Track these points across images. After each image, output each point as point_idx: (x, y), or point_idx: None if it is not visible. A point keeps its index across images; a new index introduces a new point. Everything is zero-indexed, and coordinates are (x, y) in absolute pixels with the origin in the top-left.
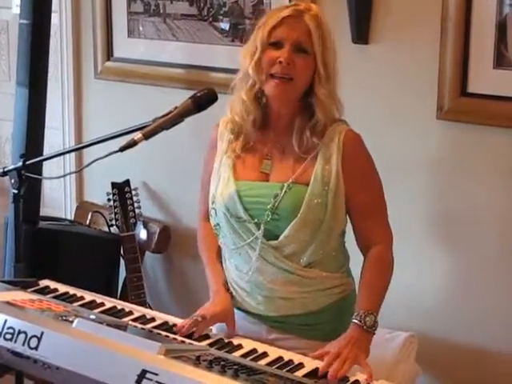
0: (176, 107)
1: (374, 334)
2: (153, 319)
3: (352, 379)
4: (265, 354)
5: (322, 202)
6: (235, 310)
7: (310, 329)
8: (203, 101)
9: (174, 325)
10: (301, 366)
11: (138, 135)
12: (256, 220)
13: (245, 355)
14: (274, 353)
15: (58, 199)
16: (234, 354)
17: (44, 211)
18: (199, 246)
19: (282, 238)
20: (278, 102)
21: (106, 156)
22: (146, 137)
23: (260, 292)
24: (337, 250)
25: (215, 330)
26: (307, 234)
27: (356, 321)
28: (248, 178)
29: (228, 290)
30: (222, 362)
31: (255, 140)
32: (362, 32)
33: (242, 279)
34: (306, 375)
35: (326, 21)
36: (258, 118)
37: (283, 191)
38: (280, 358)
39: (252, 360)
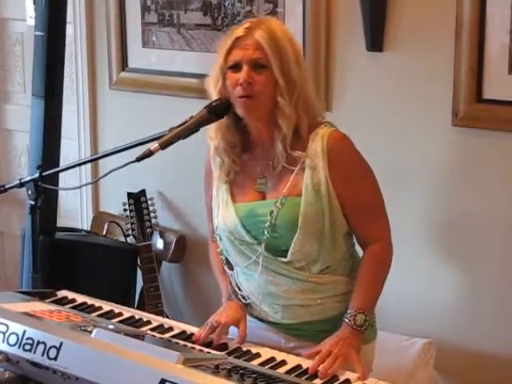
0: (192, 116)
1: (363, 332)
2: (171, 328)
3: (342, 378)
4: (283, 362)
5: (317, 210)
6: (253, 320)
7: (328, 335)
8: (219, 110)
9: (192, 334)
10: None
11: (154, 145)
12: (258, 240)
13: (263, 363)
14: (292, 361)
15: (74, 210)
16: (252, 362)
17: (60, 222)
18: (211, 263)
19: (289, 255)
20: (250, 119)
21: (123, 166)
22: (163, 147)
23: (276, 302)
24: (345, 253)
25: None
26: (313, 244)
27: (346, 320)
28: (246, 200)
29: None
30: (241, 371)
31: (244, 161)
32: (376, 39)
33: (257, 292)
34: (324, 383)
35: (282, 30)
36: (238, 142)
37: (277, 207)
38: (298, 366)
39: (271, 368)
